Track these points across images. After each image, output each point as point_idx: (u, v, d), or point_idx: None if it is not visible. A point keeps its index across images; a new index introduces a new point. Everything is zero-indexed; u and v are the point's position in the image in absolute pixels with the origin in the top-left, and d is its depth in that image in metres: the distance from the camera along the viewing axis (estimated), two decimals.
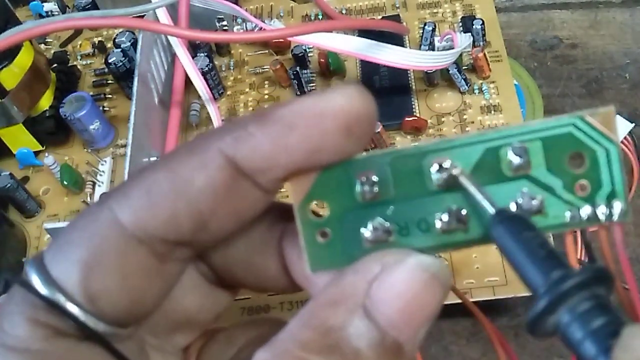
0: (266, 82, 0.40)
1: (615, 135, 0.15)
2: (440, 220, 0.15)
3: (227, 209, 0.15)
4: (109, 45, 0.44)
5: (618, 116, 0.34)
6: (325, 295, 0.15)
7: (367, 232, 0.16)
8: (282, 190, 0.17)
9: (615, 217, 0.15)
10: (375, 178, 0.16)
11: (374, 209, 0.16)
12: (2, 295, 0.31)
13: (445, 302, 0.31)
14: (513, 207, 0.15)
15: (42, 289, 0.15)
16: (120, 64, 0.38)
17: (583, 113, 0.15)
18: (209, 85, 0.37)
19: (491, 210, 0.15)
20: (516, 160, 0.15)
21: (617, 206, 0.15)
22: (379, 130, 0.34)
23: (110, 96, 0.41)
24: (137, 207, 0.15)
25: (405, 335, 0.14)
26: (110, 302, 0.15)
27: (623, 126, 0.34)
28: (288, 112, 0.15)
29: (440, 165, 0.15)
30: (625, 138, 0.34)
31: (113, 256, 0.15)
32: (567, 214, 0.15)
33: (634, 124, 0.34)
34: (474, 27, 0.38)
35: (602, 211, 0.15)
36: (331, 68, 0.38)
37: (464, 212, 0.15)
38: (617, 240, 0.15)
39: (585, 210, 0.15)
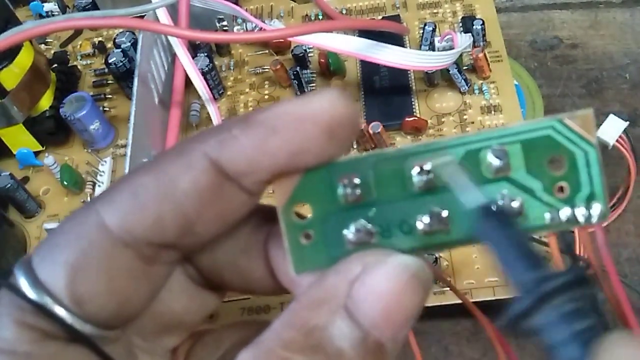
0: (266, 82, 0.40)
1: (593, 138, 0.15)
2: (422, 221, 0.16)
3: (212, 211, 0.16)
4: (109, 45, 0.44)
5: (612, 115, 0.35)
6: (308, 296, 0.15)
7: (349, 233, 0.16)
8: (270, 192, 0.17)
9: (594, 219, 0.16)
10: (357, 180, 0.16)
11: (356, 211, 0.16)
12: None
13: (445, 302, 0.31)
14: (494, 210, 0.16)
15: (30, 292, 0.15)
16: (120, 64, 0.38)
17: (562, 116, 0.15)
18: (209, 85, 0.37)
19: (475, 203, 0.15)
20: (496, 162, 0.15)
21: (596, 208, 0.16)
22: (379, 130, 0.34)
23: (110, 96, 0.41)
24: (123, 210, 0.15)
25: (386, 335, 0.15)
26: (96, 304, 0.16)
27: (618, 125, 0.34)
28: (271, 115, 0.15)
29: (422, 168, 0.16)
30: (621, 137, 0.34)
31: (99, 259, 0.15)
32: (547, 216, 0.16)
33: (628, 122, 0.34)
34: (474, 27, 0.38)
35: (581, 213, 0.16)
36: (331, 68, 0.38)
37: (445, 213, 0.16)
38: (600, 241, 0.15)
39: (565, 212, 0.16)
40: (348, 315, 0.15)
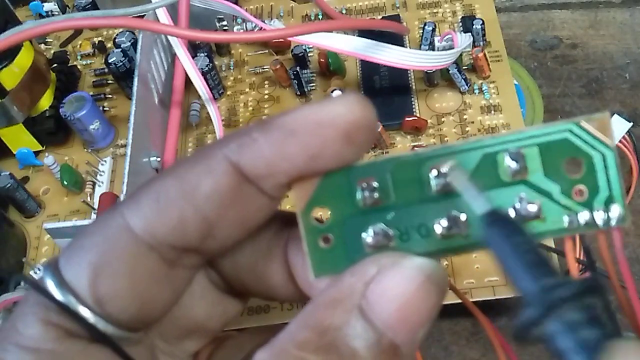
0: (266, 82, 0.40)
1: (611, 141, 0.15)
2: (440, 225, 0.16)
3: (233, 215, 0.16)
4: (109, 45, 0.44)
5: (616, 115, 0.35)
6: (323, 296, 0.15)
7: (368, 237, 0.16)
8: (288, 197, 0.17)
9: (613, 222, 0.15)
10: (375, 184, 0.16)
11: (374, 214, 0.16)
12: (12, 294, 0.31)
13: (445, 302, 0.31)
14: (511, 213, 0.16)
15: (56, 292, 0.15)
16: (120, 64, 0.38)
17: (579, 119, 0.15)
18: (209, 85, 0.37)
19: (482, 210, 0.15)
20: (513, 165, 0.15)
21: (615, 211, 0.15)
22: (379, 130, 0.34)
23: (110, 96, 0.41)
24: (146, 214, 0.16)
25: (401, 336, 0.15)
26: (119, 305, 0.16)
27: (621, 125, 0.34)
28: (290, 119, 0.15)
29: (439, 171, 0.16)
30: (623, 137, 0.34)
31: (123, 261, 0.16)
32: (566, 219, 0.16)
33: (632, 123, 0.34)
34: (474, 27, 0.38)
35: (600, 216, 0.15)
36: (331, 68, 0.38)
37: (463, 217, 0.16)
38: (617, 245, 0.15)
39: (584, 216, 0.16)
40: (363, 316, 0.15)
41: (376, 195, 0.16)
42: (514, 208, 0.15)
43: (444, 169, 0.16)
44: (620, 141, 0.34)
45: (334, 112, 0.15)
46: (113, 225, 0.16)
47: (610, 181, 0.15)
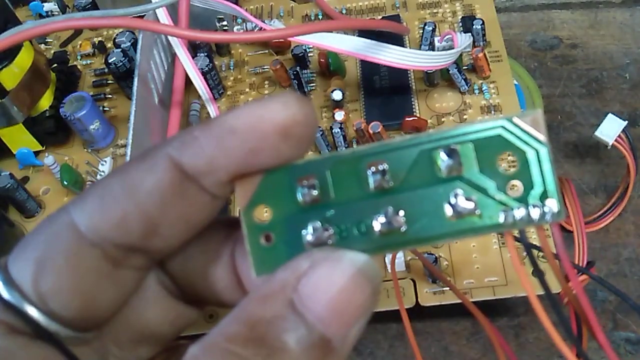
0: (266, 82, 0.40)
1: (543, 136, 0.15)
2: (378, 222, 0.16)
3: (175, 213, 0.16)
4: (109, 45, 0.44)
5: (610, 115, 0.35)
6: (256, 291, 0.15)
7: (308, 234, 0.16)
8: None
9: (549, 218, 0.16)
10: (315, 182, 0.16)
11: (314, 212, 0.16)
12: None
13: (445, 302, 0.31)
14: (448, 209, 0.16)
15: (2, 288, 0.16)
16: (120, 64, 0.38)
17: (511, 115, 0.16)
18: (209, 85, 0.37)
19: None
20: (448, 161, 0.16)
21: (551, 206, 0.16)
22: (378, 130, 0.34)
23: (110, 96, 0.41)
24: (90, 210, 0.16)
25: (333, 330, 0.15)
26: (61, 302, 0.16)
27: (616, 124, 0.34)
28: (230, 117, 0.15)
29: (377, 168, 0.16)
30: (619, 136, 0.34)
31: (65, 257, 0.16)
32: (502, 215, 0.16)
33: (626, 122, 0.34)
34: (474, 27, 0.38)
35: (535, 212, 0.16)
36: (331, 68, 0.38)
37: (401, 213, 0.16)
38: (557, 240, 0.15)
39: (519, 212, 0.16)
40: (294, 309, 0.15)
41: (316, 192, 0.16)
42: (450, 204, 0.16)
43: (381, 167, 0.16)
44: (616, 140, 0.34)
45: (272, 109, 0.15)
46: (58, 222, 0.16)
47: (545, 176, 0.16)
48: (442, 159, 0.16)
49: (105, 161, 0.38)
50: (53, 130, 0.39)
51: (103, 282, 0.16)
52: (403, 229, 0.16)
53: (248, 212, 0.16)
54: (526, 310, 0.34)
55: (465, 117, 0.36)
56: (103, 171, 0.37)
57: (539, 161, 0.16)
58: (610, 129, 0.34)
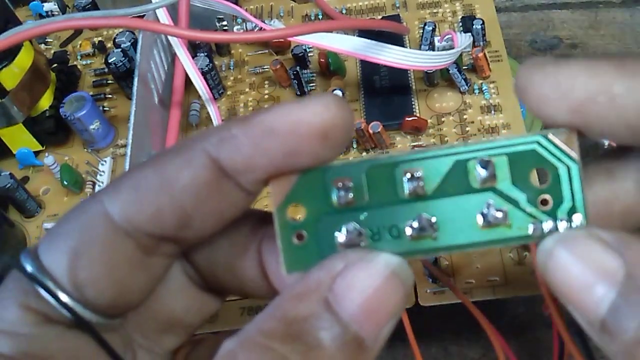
0: (266, 82, 0.40)
1: (576, 154, 0.16)
2: (411, 227, 0.16)
3: (209, 207, 0.16)
4: (109, 45, 0.44)
5: None
6: (291, 289, 0.16)
7: (341, 235, 0.16)
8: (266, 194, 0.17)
9: None
10: (350, 184, 0.16)
11: (348, 213, 0.17)
12: None
13: (445, 302, 0.31)
14: (480, 218, 0.16)
15: (36, 277, 0.16)
16: (120, 64, 0.38)
17: (547, 131, 0.16)
18: (209, 85, 0.37)
19: None
20: (482, 173, 0.16)
21: (577, 220, 0.16)
22: (378, 130, 0.34)
23: (110, 96, 0.41)
24: (125, 201, 0.16)
25: (366, 330, 0.15)
26: (96, 290, 0.16)
27: None
28: (269, 116, 0.15)
29: (412, 175, 0.16)
30: None
31: (100, 247, 0.16)
32: (530, 227, 0.17)
33: None
34: (474, 27, 0.38)
35: (562, 225, 0.16)
36: (331, 68, 0.38)
37: (433, 219, 0.16)
38: None
39: (547, 224, 0.16)
40: (329, 308, 0.15)
41: (351, 195, 0.16)
42: (482, 213, 0.16)
43: (417, 174, 0.16)
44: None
45: (312, 111, 0.15)
46: (92, 212, 0.16)
47: (574, 192, 0.16)
48: (477, 170, 0.16)
49: (105, 161, 0.38)
50: (53, 130, 0.39)
51: (135, 270, 0.17)
52: (434, 235, 0.16)
53: (282, 210, 0.17)
54: (526, 310, 0.34)
55: (465, 117, 0.36)
56: (103, 171, 0.37)
57: (570, 178, 0.16)
58: None
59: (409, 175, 0.16)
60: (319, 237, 0.17)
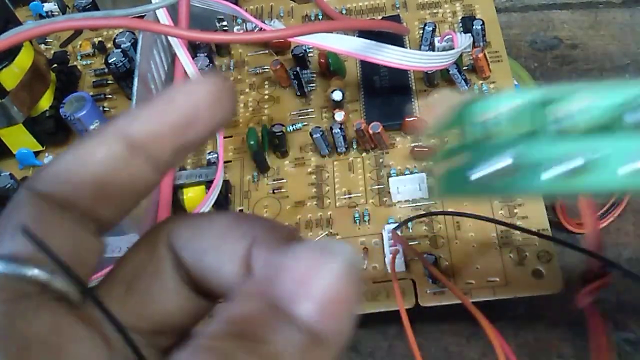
0: (266, 82, 0.40)
1: None
2: (562, 165, 0.16)
3: (122, 180, 0.17)
4: (109, 45, 0.44)
5: None
6: (239, 289, 0.15)
7: (495, 164, 0.16)
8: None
9: None
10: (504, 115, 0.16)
11: (506, 145, 0.16)
12: None
13: (445, 302, 0.31)
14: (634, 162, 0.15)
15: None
16: (120, 64, 0.38)
17: None
18: None
19: None
20: None
21: None
22: (378, 130, 0.34)
23: (110, 96, 0.41)
24: (47, 178, 0.17)
25: (323, 324, 0.15)
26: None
27: None
28: (170, 90, 0.17)
29: (569, 111, 0.16)
30: None
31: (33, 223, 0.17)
32: None
33: None
34: (474, 27, 0.38)
35: None
36: (331, 68, 0.38)
37: (584, 158, 0.15)
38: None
39: None
40: (280, 304, 0.15)
41: (504, 125, 0.16)
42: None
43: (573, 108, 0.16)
44: None
45: (204, 81, 0.17)
46: (21, 195, 0.17)
47: None
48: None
49: None
50: (53, 130, 0.39)
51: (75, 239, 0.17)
52: (583, 172, 0.15)
53: (438, 133, 0.16)
54: (526, 310, 0.34)
55: None
56: None
57: None
58: None
59: (562, 112, 0.15)
60: (473, 162, 0.16)
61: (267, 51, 0.42)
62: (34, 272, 0.16)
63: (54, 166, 0.17)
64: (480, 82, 0.37)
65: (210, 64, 0.38)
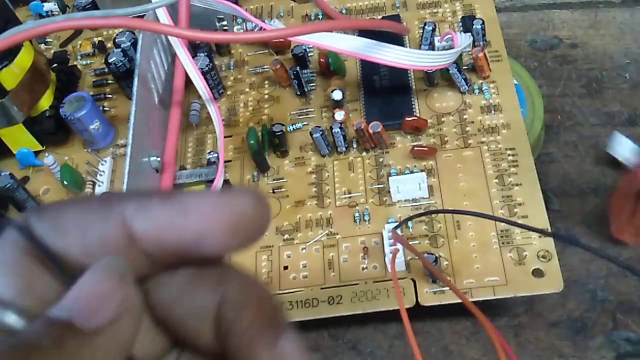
0: (266, 82, 0.40)
1: None
2: None
3: None
4: (109, 45, 0.44)
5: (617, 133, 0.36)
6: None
7: None
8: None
9: None
10: None
11: None
12: None
13: (445, 302, 0.31)
14: None
15: None
16: (120, 64, 0.38)
17: None
18: (209, 85, 0.37)
19: None
20: None
21: None
22: (378, 130, 0.34)
23: (110, 96, 0.41)
24: (43, 229, 0.16)
25: (77, 313, 0.15)
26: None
27: (626, 144, 0.36)
28: (189, 197, 0.16)
29: None
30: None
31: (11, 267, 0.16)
32: None
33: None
34: (474, 27, 0.38)
35: None
36: (331, 68, 0.38)
37: None
38: None
39: None
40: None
41: None
42: None
43: None
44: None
45: (228, 201, 0.16)
46: (7, 240, 0.17)
47: None
48: None
49: (105, 161, 0.38)
50: (53, 130, 0.39)
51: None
52: None
53: None
54: (526, 310, 0.34)
55: (465, 117, 0.36)
56: (103, 171, 0.37)
57: None
58: (623, 149, 0.35)
59: None
60: None
61: (267, 51, 0.42)
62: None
63: (56, 219, 0.17)
64: (480, 81, 0.37)
65: (210, 64, 0.38)
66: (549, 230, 0.32)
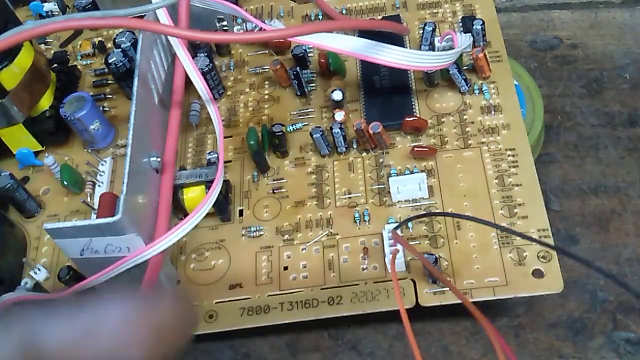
0: (266, 82, 0.40)
1: None
2: None
3: None
4: (109, 45, 0.44)
5: None
6: None
7: None
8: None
9: None
10: None
11: None
12: (13, 294, 0.31)
13: (445, 302, 0.31)
14: None
15: None
16: (120, 64, 0.38)
17: None
18: (209, 85, 0.37)
19: None
20: None
21: None
22: (378, 130, 0.34)
23: (110, 96, 0.41)
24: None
25: None
26: None
27: None
28: (101, 310, 0.16)
29: None
30: None
31: None
32: None
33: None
34: (474, 27, 0.38)
35: None
36: (331, 68, 0.38)
37: None
38: None
39: None
40: None
41: None
42: None
43: None
44: None
45: (147, 312, 0.15)
46: None
47: None
48: None
49: (105, 161, 0.38)
50: (53, 130, 0.39)
51: None
52: None
53: None
54: (526, 310, 0.34)
55: (465, 117, 0.36)
56: (103, 171, 0.37)
57: None
58: None
59: None
60: None
61: (267, 51, 0.42)
62: None
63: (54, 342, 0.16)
64: (480, 82, 0.37)
65: (210, 64, 0.38)
66: (549, 230, 0.32)
